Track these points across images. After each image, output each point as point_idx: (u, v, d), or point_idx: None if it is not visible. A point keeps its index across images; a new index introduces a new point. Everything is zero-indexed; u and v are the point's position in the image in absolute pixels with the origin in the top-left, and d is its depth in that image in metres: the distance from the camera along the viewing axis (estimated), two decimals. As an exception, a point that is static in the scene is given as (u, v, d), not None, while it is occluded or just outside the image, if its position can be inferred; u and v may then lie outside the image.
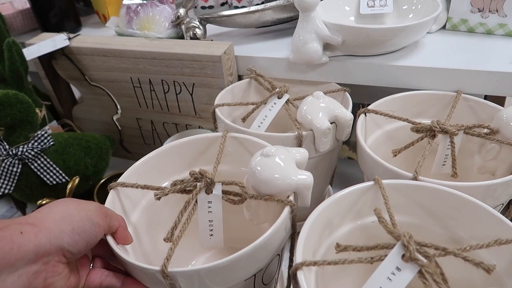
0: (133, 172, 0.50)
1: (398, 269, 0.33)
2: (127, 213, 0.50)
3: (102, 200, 0.46)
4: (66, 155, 0.67)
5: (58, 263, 0.36)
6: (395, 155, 0.53)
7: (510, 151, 0.50)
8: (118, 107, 0.80)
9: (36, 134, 0.65)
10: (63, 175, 0.66)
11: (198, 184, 0.44)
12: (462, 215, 0.42)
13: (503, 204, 0.49)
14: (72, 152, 0.68)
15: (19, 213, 0.78)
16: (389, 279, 0.33)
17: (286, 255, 0.51)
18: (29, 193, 0.66)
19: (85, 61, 0.78)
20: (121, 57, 0.74)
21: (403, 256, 0.33)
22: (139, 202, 0.52)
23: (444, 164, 0.52)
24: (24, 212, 0.77)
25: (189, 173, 0.45)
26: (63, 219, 0.37)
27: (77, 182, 0.65)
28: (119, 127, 0.84)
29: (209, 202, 0.45)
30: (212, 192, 0.44)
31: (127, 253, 0.42)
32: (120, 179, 0.49)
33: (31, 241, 0.34)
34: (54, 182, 0.65)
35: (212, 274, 0.38)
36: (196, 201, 0.44)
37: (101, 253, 0.44)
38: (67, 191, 0.65)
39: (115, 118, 0.81)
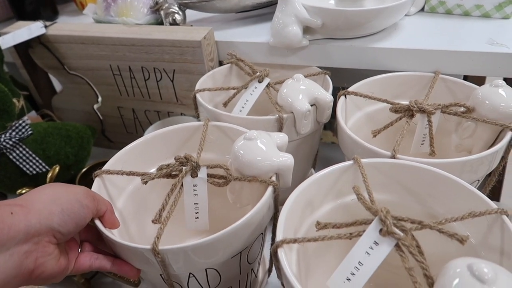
0: (118, 160, 0.51)
1: (376, 243, 0.34)
2: (113, 200, 0.50)
3: (84, 189, 0.46)
4: (46, 145, 0.66)
5: (49, 244, 0.37)
6: (374, 136, 0.54)
7: (485, 129, 0.51)
8: (99, 95, 0.79)
9: (13, 123, 0.64)
10: (43, 164, 0.65)
11: (184, 168, 0.45)
12: (439, 191, 0.42)
13: (479, 180, 0.50)
14: (52, 141, 0.67)
15: None
16: (367, 253, 0.34)
17: (269, 237, 0.51)
18: (8, 183, 0.65)
19: (62, 49, 0.77)
20: (100, 44, 0.73)
21: (380, 230, 0.34)
22: (124, 188, 0.52)
23: (422, 143, 0.53)
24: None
25: (175, 158, 0.45)
26: (52, 201, 0.37)
27: (57, 171, 0.65)
28: (100, 117, 0.83)
29: (195, 185, 0.45)
30: (197, 175, 0.45)
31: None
32: (105, 167, 0.49)
33: (21, 221, 0.35)
34: (34, 172, 0.64)
35: (201, 251, 0.39)
36: (182, 185, 0.44)
37: (89, 238, 0.45)
38: (47, 181, 0.64)
39: (95, 107, 0.80)
